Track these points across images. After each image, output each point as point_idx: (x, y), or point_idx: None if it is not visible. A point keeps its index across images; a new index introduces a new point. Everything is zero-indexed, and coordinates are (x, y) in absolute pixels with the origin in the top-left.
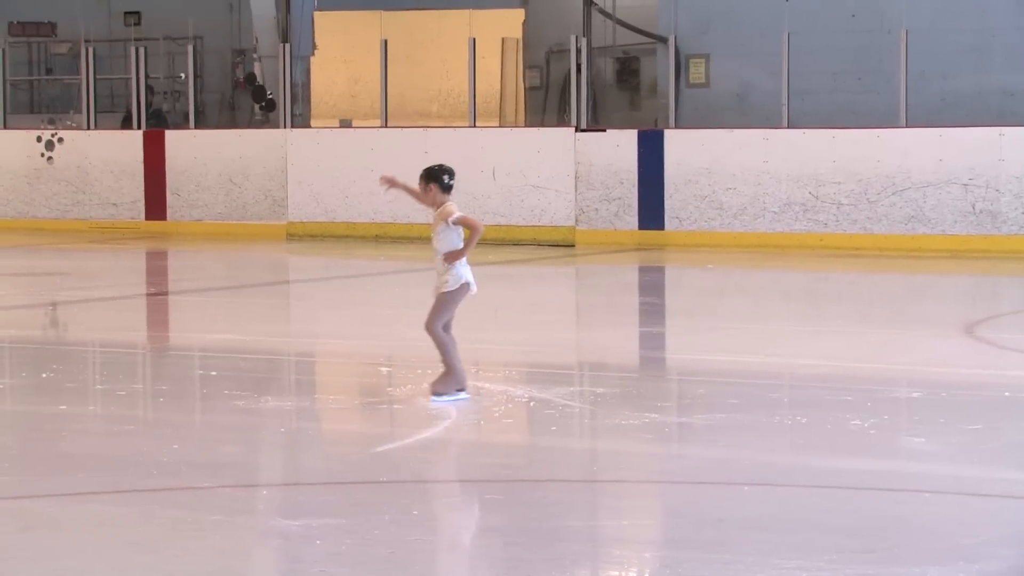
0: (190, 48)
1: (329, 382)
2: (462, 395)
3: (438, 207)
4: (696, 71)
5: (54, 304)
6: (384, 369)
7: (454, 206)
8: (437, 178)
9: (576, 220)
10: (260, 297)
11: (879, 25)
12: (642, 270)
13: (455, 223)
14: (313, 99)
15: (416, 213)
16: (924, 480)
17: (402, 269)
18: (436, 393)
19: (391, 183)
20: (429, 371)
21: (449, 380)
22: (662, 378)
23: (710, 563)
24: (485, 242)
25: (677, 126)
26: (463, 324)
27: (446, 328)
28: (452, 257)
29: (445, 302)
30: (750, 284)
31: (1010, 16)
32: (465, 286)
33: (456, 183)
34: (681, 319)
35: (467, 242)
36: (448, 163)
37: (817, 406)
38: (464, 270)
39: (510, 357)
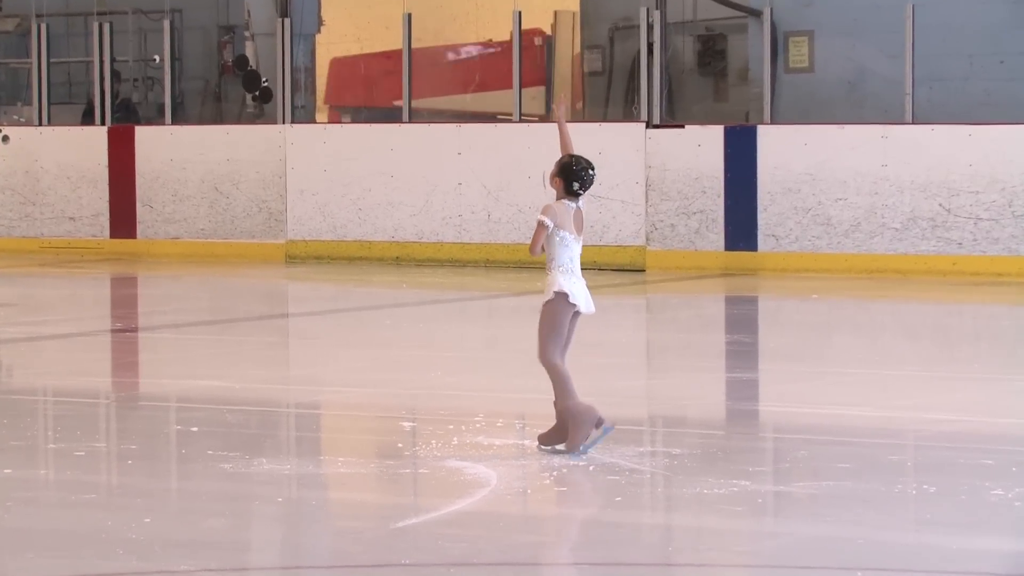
0: (166, 24)
1: (338, 440)
2: (604, 431)
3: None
4: (797, 53)
5: None
6: (407, 424)
7: (556, 205)
8: (567, 177)
9: (647, 238)
10: (252, 334)
11: None
12: (729, 301)
13: (538, 219)
14: (319, 88)
15: (446, 230)
16: None
17: (429, 299)
18: (573, 452)
19: (562, 105)
20: (463, 427)
21: (577, 430)
22: (754, 436)
23: None
24: (535, 267)
25: (773, 121)
26: (506, 368)
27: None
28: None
29: (542, 317)
30: (865, 319)
31: None
32: (562, 297)
33: (577, 189)
34: (778, 363)
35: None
36: (489, 165)
37: (949, 472)
38: (566, 281)
39: None
